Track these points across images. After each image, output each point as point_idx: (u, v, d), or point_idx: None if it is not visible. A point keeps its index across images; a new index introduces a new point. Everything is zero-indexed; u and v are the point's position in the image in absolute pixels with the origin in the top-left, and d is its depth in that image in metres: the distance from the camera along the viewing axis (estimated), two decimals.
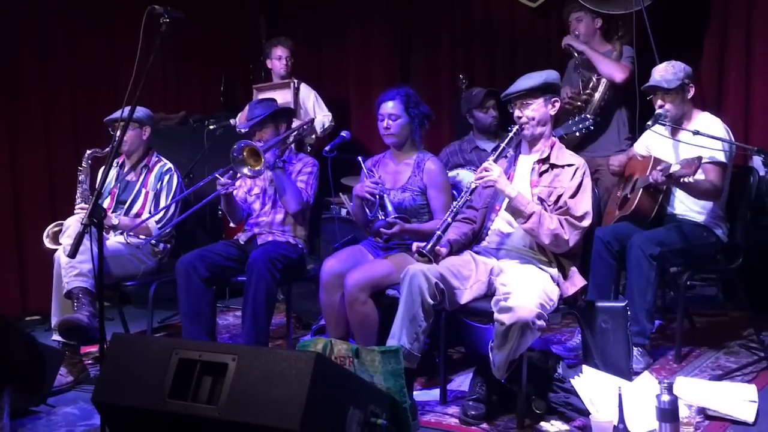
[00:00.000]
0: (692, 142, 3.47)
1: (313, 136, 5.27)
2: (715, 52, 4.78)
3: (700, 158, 3.32)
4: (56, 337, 3.64)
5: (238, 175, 3.71)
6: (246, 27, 6.36)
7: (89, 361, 3.89)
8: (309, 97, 5.34)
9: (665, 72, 3.67)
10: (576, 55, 4.56)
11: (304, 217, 3.90)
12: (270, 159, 3.69)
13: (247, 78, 6.19)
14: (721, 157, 3.56)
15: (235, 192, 3.87)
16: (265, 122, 3.86)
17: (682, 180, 3.36)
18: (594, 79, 4.49)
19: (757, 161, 3.85)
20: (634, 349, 3.40)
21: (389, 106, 3.61)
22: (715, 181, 3.55)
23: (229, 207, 3.90)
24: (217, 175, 3.74)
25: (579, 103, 4.46)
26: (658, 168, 3.48)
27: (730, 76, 4.73)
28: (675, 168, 3.36)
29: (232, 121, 5.35)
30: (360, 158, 3.78)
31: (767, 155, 3.37)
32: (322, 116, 5.30)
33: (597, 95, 4.46)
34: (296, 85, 5.28)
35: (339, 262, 3.50)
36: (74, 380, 3.62)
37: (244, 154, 3.63)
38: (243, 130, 4.23)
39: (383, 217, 3.51)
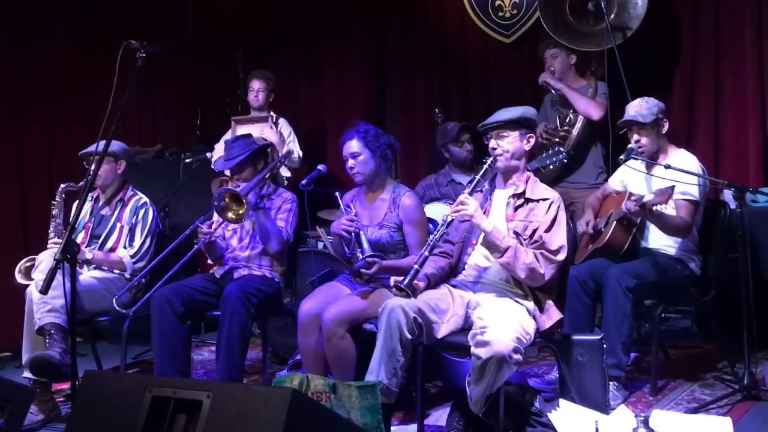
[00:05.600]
0: (667, 177, 3.52)
1: (288, 166, 5.27)
2: (685, 88, 4.87)
3: (672, 187, 3.37)
4: (27, 374, 3.57)
5: (219, 220, 3.70)
6: (223, 61, 6.38)
7: (61, 399, 3.82)
8: (284, 133, 5.35)
9: (640, 107, 3.72)
10: (553, 92, 4.61)
11: (283, 254, 3.89)
12: (252, 200, 3.69)
13: (223, 112, 6.20)
14: (695, 193, 3.61)
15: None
16: (243, 163, 3.86)
17: (655, 208, 3.41)
18: (571, 116, 4.54)
19: (728, 195, 3.92)
20: (611, 383, 3.41)
21: (350, 146, 3.63)
22: (687, 218, 3.59)
23: (209, 249, 3.88)
24: (198, 224, 3.73)
25: (557, 140, 4.50)
26: (632, 198, 3.53)
27: (699, 113, 4.81)
28: (648, 197, 3.41)
29: (208, 155, 5.34)
30: (337, 194, 3.78)
31: (738, 189, 3.44)
32: (297, 150, 5.33)
33: (574, 132, 4.51)
34: (275, 120, 5.29)
35: (316, 302, 3.48)
36: (45, 418, 3.55)
37: (226, 200, 3.63)
38: (222, 170, 4.22)
39: (360, 255, 3.50)
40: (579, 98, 4.49)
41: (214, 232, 3.77)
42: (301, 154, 5.35)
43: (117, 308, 3.59)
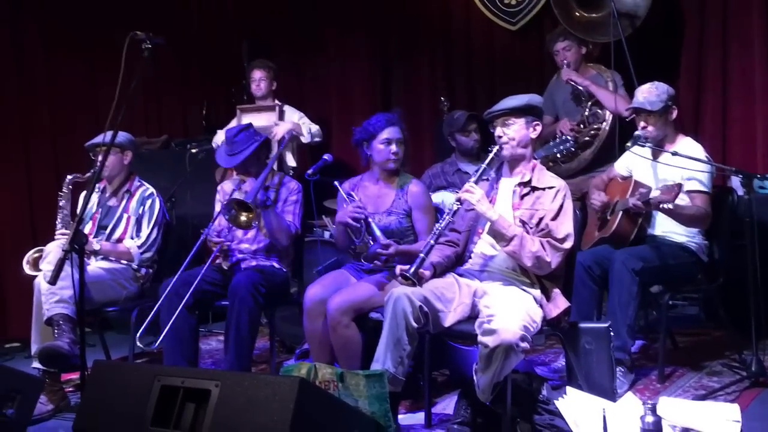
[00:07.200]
0: (673, 164, 3.50)
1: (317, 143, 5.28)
2: (692, 75, 4.83)
3: (680, 185, 3.34)
4: (36, 364, 3.59)
5: (227, 225, 3.76)
6: (228, 51, 6.38)
7: (70, 389, 3.84)
8: (294, 118, 5.35)
9: (649, 93, 3.67)
10: (581, 88, 4.50)
11: (290, 246, 3.89)
12: (260, 199, 3.69)
13: (229, 102, 6.20)
14: (705, 181, 3.59)
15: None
16: (248, 160, 3.85)
17: (661, 206, 3.39)
18: (599, 111, 4.45)
19: (735, 182, 3.90)
20: (617, 369, 3.40)
21: (395, 131, 3.60)
22: (705, 207, 3.57)
23: (223, 253, 3.89)
24: (207, 235, 3.76)
25: (587, 138, 4.44)
26: (638, 194, 3.50)
27: (707, 99, 4.78)
28: (654, 194, 3.38)
29: (214, 145, 5.34)
30: (336, 183, 3.77)
31: (746, 176, 3.42)
32: (309, 124, 5.31)
33: (603, 135, 4.41)
34: (281, 108, 5.29)
35: (322, 288, 3.48)
36: (55, 408, 3.57)
37: (235, 209, 3.64)
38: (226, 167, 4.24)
39: (372, 242, 3.49)
40: (609, 96, 4.38)
41: (224, 241, 3.80)
42: (317, 127, 5.33)
43: (139, 345, 3.61)
